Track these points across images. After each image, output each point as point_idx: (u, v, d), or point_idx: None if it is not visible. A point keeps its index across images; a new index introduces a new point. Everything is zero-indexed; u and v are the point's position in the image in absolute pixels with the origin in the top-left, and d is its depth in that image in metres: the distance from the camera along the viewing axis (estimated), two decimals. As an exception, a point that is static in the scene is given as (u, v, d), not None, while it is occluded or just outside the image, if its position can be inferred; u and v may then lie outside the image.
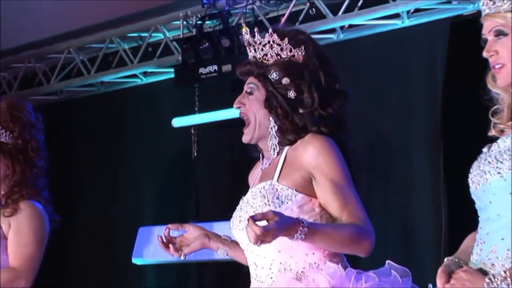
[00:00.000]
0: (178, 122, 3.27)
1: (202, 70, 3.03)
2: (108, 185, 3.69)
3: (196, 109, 3.39)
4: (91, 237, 3.74)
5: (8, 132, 2.54)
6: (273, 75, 1.80)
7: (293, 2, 3.02)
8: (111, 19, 3.29)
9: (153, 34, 3.47)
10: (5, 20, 3.59)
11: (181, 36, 3.36)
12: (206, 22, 3.16)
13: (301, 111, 1.78)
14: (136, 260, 3.37)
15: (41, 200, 2.50)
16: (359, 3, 2.97)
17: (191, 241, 1.95)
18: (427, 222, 2.91)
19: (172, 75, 3.35)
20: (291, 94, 1.78)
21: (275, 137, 1.81)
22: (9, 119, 2.55)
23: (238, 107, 1.82)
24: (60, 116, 3.78)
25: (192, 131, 3.41)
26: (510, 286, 1.45)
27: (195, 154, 3.43)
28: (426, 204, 2.89)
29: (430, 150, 2.92)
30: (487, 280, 1.46)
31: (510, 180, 1.46)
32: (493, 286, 1.44)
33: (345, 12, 2.99)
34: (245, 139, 1.81)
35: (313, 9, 2.99)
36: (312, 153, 1.74)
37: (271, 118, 1.81)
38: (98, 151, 3.69)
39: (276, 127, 1.80)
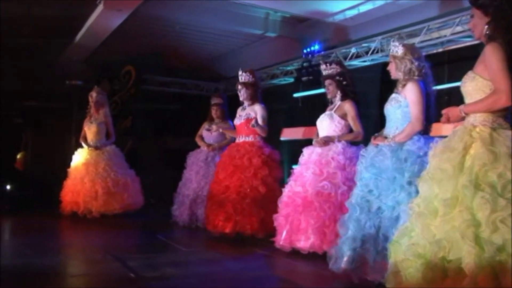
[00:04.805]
0: (296, 94, 9.45)
1: (303, 78, 9.11)
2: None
3: (300, 89, 9.47)
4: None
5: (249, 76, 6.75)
6: (336, 78, 5.77)
7: (333, 54, 9.32)
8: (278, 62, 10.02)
9: (287, 68, 9.94)
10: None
11: (296, 68, 9.56)
12: (304, 63, 9.17)
13: (346, 89, 5.77)
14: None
15: None
16: (354, 55, 8.50)
17: None
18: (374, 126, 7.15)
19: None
20: (342, 83, 5.75)
21: (339, 98, 5.77)
22: (251, 74, 6.73)
23: (327, 89, 5.85)
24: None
25: (300, 99, 9.61)
26: (392, 143, 4.27)
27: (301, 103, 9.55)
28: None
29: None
30: (386, 139, 4.37)
31: (394, 107, 4.40)
32: (388, 142, 4.32)
33: (350, 59, 8.54)
34: (329, 97, 5.82)
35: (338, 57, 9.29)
36: (347, 106, 5.64)
37: (338, 91, 5.79)
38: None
39: (340, 94, 5.78)
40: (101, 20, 8.28)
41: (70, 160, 8.71)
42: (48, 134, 11.14)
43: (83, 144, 8.75)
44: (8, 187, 9.33)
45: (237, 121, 6.88)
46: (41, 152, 11.03)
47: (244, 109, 6.83)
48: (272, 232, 5.91)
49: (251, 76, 6.75)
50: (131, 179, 8.56)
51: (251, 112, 6.69)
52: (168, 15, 8.91)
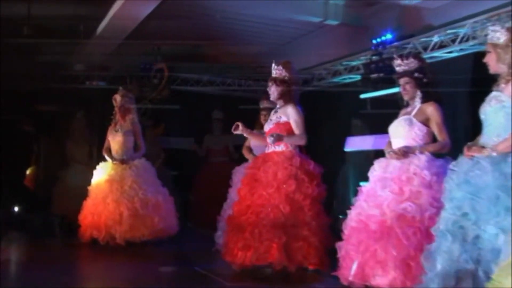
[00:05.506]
0: (363, 95, 9.11)
1: (371, 75, 8.78)
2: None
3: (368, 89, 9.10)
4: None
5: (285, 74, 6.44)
6: (415, 75, 5.48)
7: (410, 44, 9.06)
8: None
9: (352, 63, 9.64)
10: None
11: (363, 63, 9.24)
12: (373, 56, 8.80)
13: (427, 88, 5.45)
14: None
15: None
16: (437, 45, 8.15)
17: None
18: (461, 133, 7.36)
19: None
20: (423, 81, 5.45)
21: (419, 99, 5.47)
22: (285, 68, 6.46)
23: (403, 89, 5.54)
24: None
25: (368, 101, 9.25)
26: (493, 154, 4.05)
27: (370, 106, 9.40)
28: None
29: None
30: (484, 149, 4.17)
31: (495, 109, 4.21)
32: (487, 153, 4.12)
33: (431, 49, 8.21)
34: (406, 98, 5.53)
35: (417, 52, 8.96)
36: (431, 110, 5.34)
37: (417, 92, 5.48)
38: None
39: (420, 95, 5.48)
40: (127, 9, 8.21)
41: (91, 176, 8.58)
42: (64, 145, 11.01)
43: (107, 157, 8.63)
44: (16, 209, 9.31)
45: (266, 127, 6.63)
46: (55, 166, 10.91)
47: (276, 111, 6.58)
48: (299, 263, 5.87)
49: (283, 70, 6.49)
50: (164, 199, 8.38)
51: (283, 116, 6.44)
52: (206, 1, 8.81)
